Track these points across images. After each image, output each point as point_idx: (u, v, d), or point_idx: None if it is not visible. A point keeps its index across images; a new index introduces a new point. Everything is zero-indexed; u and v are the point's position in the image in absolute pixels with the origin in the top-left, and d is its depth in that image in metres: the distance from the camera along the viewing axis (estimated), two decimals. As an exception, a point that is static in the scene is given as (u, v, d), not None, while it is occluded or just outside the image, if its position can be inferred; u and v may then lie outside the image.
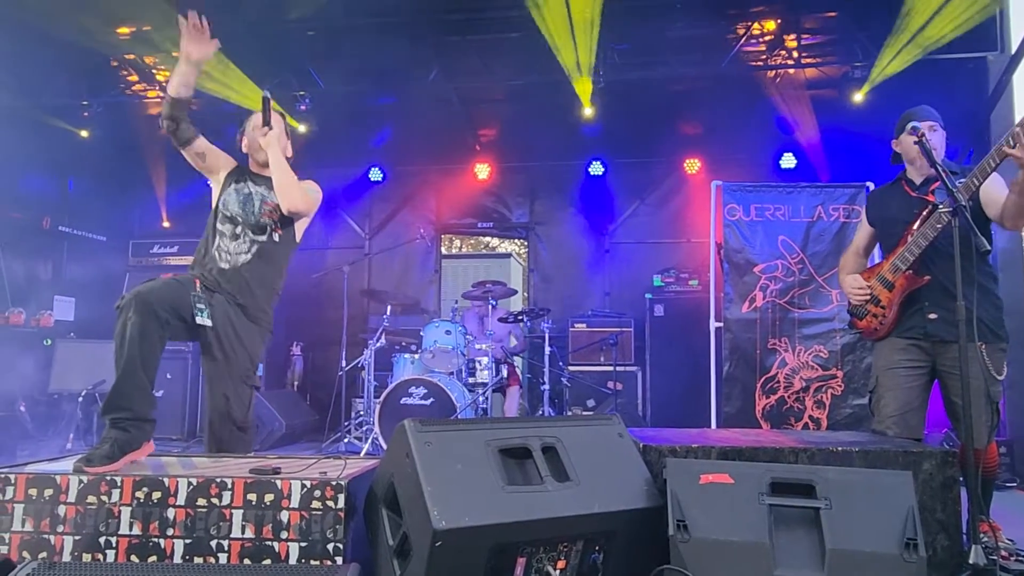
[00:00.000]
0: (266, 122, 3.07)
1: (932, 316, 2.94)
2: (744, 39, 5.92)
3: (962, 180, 2.80)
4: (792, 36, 5.94)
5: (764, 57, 6.11)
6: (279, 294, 3.22)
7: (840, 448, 2.48)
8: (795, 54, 6.01)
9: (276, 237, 3.14)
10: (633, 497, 2.26)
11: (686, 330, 6.22)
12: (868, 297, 3.09)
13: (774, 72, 6.31)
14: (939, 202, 2.85)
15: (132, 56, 6.63)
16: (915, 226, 2.97)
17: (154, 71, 6.85)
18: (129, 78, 6.89)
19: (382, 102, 7.14)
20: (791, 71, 6.25)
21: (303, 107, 6.69)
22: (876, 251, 3.39)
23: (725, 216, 5.19)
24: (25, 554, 2.13)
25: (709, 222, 5.44)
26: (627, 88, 6.32)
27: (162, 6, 5.75)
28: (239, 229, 3.11)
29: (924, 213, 2.95)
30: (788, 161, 7.05)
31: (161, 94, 6.98)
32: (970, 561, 2.26)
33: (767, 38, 6.00)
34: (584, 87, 5.91)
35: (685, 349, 6.11)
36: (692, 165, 7.39)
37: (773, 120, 6.84)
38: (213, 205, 3.21)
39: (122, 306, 2.63)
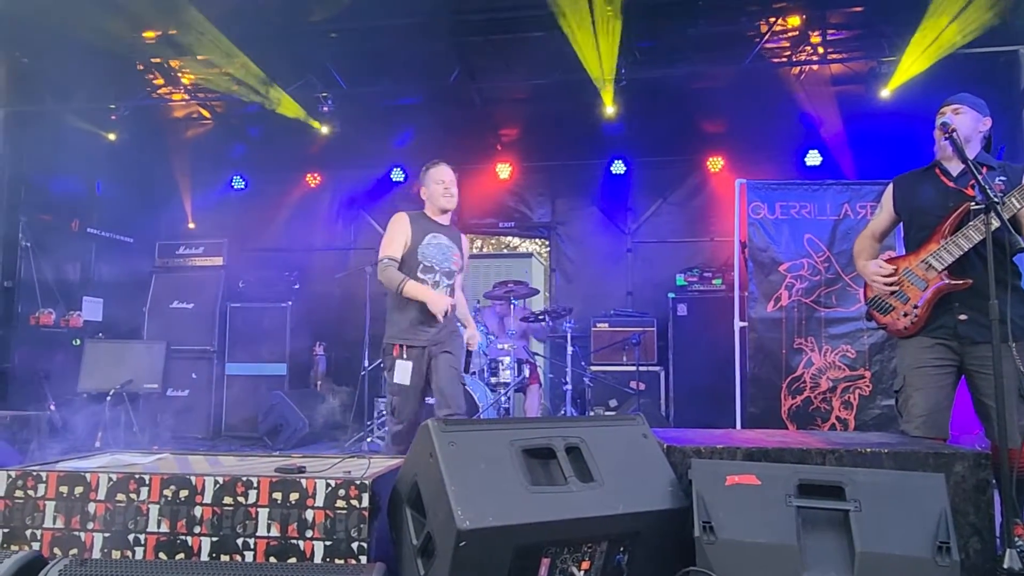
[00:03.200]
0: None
1: (963, 317, 2.86)
2: (768, 36, 5.85)
3: (1002, 178, 2.72)
4: (817, 32, 5.87)
5: (788, 53, 6.05)
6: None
7: (869, 449, 2.43)
8: (820, 50, 5.94)
9: (457, 279, 3.87)
10: (658, 498, 2.24)
11: (710, 330, 6.16)
12: (895, 288, 3.00)
13: (798, 68, 6.24)
14: (976, 200, 2.75)
15: (158, 60, 6.72)
16: (949, 221, 2.87)
17: (179, 74, 6.93)
18: (155, 81, 6.98)
19: (404, 103, 7.17)
20: (816, 67, 6.18)
21: (325, 108, 6.74)
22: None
23: (749, 214, 5.13)
24: (56, 551, 2.16)
25: (733, 220, 5.38)
26: (649, 86, 6.29)
27: (187, 10, 5.82)
28: (437, 277, 3.73)
29: (960, 210, 2.84)
30: (813, 158, 6.96)
31: (187, 97, 7.07)
32: (1004, 566, 2.21)
33: (791, 34, 5.93)
34: (607, 85, 5.88)
35: (709, 349, 6.06)
36: (715, 163, 7.32)
37: (797, 117, 6.76)
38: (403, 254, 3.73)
39: None
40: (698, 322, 6.47)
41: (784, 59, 6.09)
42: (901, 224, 3.19)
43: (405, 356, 3.59)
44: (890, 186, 3.19)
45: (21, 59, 6.53)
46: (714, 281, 6.62)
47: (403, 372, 3.56)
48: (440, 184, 3.87)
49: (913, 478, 2.19)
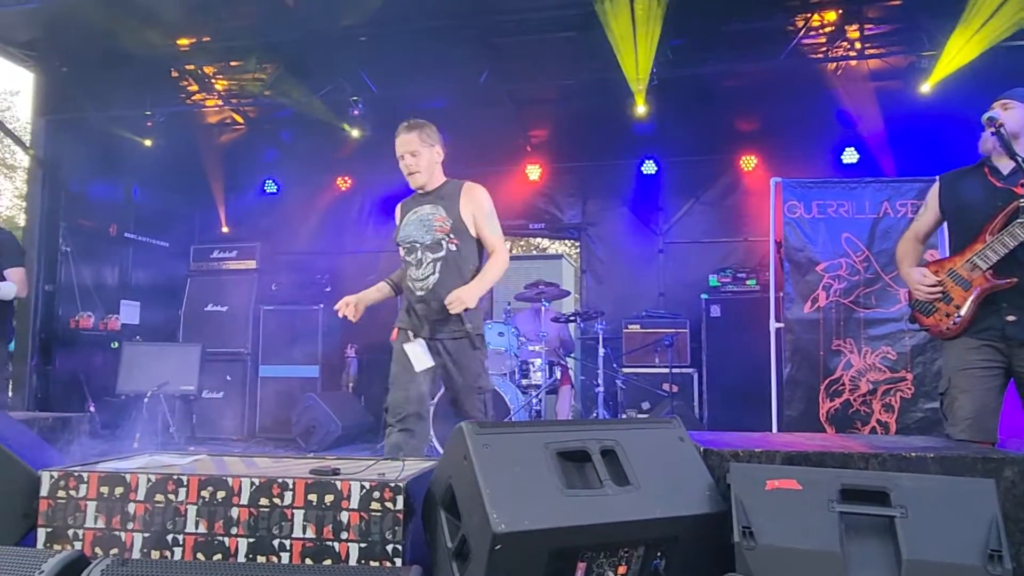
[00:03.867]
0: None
1: (1011, 318, 2.77)
2: (803, 31, 5.75)
3: None
4: (854, 26, 5.74)
5: (824, 49, 5.94)
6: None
7: (914, 454, 2.36)
8: (858, 45, 5.82)
9: (453, 247, 3.16)
10: (696, 502, 2.20)
11: (744, 331, 6.08)
12: (940, 296, 2.93)
13: (835, 64, 6.12)
14: None
15: (192, 67, 6.83)
16: (997, 221, 2.79)
17: (212, 80, 7.03)
18: (189, 88, 7.09)
19: (434, 105, 7.19)
20: (853, 63, 6.06)
21: (356, 112, 6.79)
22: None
23: (785, 213, 5.04)
24: (98, 550, 2.19)
25: (767, 220, 5.30)
26: (681, 85, 6.22)
27: (220, 18, 5.91)
28: (420, 254, 3.17)
29: (1008, 209, 2.76)
30: (850, 156, 6.82)
31: (220, 103, 7.17)
32: (1059, 575, 2.13)
33: (827, 29, 5.81)
34: (640, 84, 5.81)
35: (743, 351, 5.97)
36: (748, 162, 7.22)
37: (834, 114, 6.64)
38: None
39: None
40: (732, 323, 6.39)
41: (820, 55, 5.98)
42: (946, 225, 3.11)
43: (412, 336, 3.19)
44: (936, 184, 3.10)
45: (61, 68, 6.68)
46: (748, 282, 6.53)
47: (416, 355, 3.14)
48: (400, 159, 3.26)
49: (961, 483, 2.12)
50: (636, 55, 5.48)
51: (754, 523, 2.07)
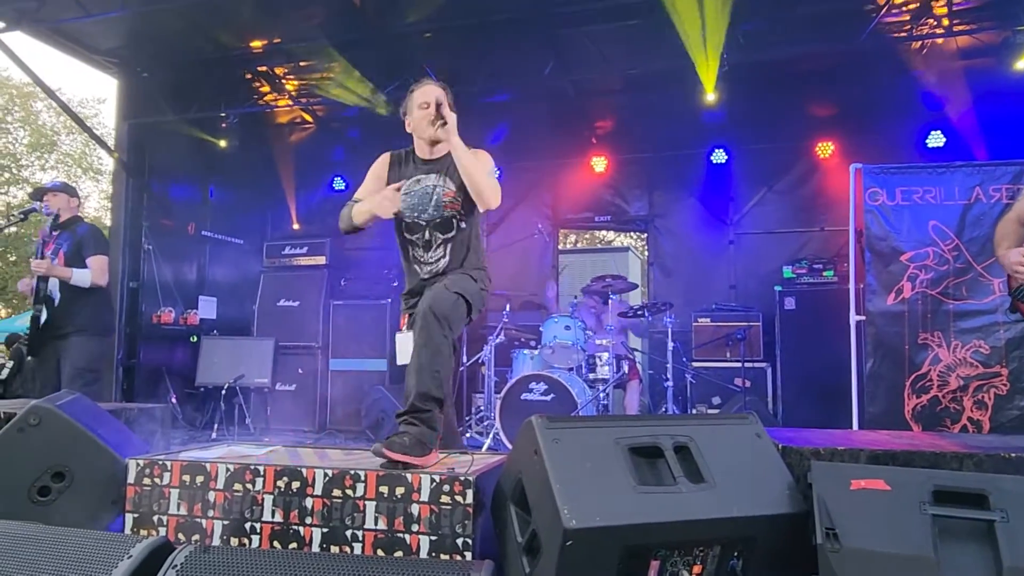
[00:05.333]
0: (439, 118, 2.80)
1: (1122, 306, 2.57)
2: (885, 9, 5.46)
3: None
4: (942, 2, 5.42)
5: (908, 27, 5.62)
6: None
7: (1014, 454, 2.22)
8: (945, 21, 5.47)
9: (464, 225, 2.88)
10: (774, 501, 2.11)
11: (821, 324, 5.85)
12: None
13: (920, 43, 5.79)
14: None
15: (263, 68, 7.01)
16: None
17: (283, 81, 7.20)
18: (261, 89, 7.28)
19: (498, 99, 7.17)
20: (940, 41, 5.72)
21: (421, 107, 6.83)
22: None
23: (866, 201, 4.80)
24: (180, 536, 2.27)
25: (845, 208, 5.07)
26: (753, 70, 6.01)
27: (290, 19, 6.04)
28: (427, 234, 2.85)
29: None
30: (936, 139, 6.46)
31: (290, 102, 7.34)
32: None
33: (912, 6, 5.50)
34: (710, 71, 5.64)
35: (820, 344, 5.75)
36: (825, 149, 6.94)
37: (918, 96, 6.30)
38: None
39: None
40: (808, 316, 6.16)
41: (903, 34, 5.66)
42: None
43: (406, 328, 2.88)
44: None
45: (142, 74, 6.97)
46: (825, 273, 6.28)
47: (403, 348, 2.82)
48: (424, 108, 2.87)
49: (1071, 487, 1.97)
50: (705, 41, 5.32)
51: (838, 524, 1.97)
